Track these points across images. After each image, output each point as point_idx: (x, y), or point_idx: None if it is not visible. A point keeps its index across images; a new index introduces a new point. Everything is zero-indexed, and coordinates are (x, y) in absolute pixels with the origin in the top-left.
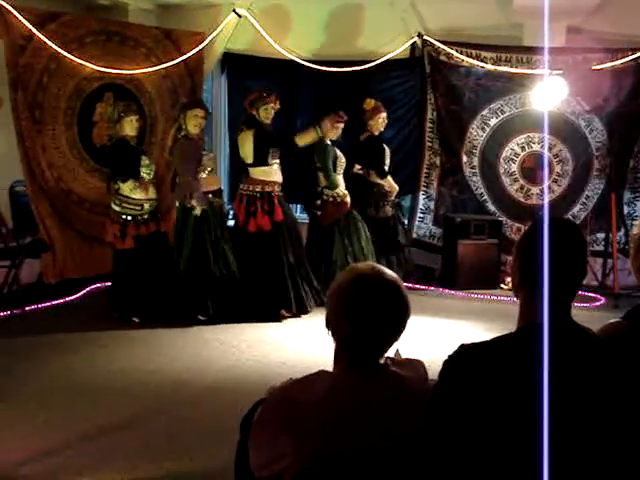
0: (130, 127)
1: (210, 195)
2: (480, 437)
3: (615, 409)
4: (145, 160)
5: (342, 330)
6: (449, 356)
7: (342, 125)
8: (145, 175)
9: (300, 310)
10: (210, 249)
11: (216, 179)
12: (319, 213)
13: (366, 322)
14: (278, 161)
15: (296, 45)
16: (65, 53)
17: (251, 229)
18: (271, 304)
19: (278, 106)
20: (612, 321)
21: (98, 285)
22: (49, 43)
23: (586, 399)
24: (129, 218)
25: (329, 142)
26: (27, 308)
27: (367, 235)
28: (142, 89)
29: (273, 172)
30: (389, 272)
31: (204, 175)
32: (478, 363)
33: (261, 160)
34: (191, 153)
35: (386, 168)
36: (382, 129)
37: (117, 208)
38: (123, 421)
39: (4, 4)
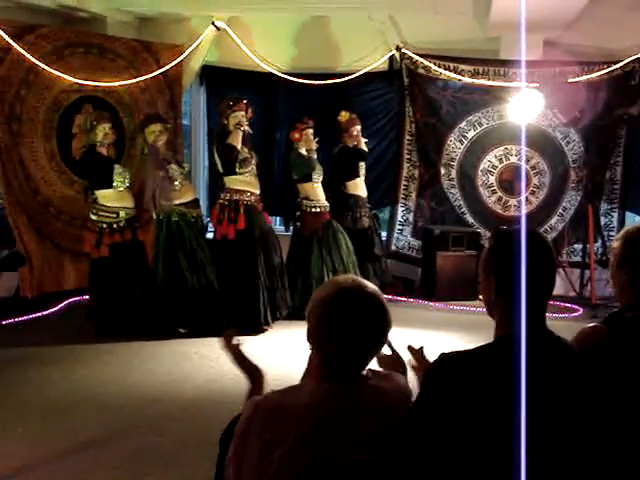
0: (103, 135)
1: (183, 206)
2: (460, 443)
3: (588, 416)
4: (119, 169)
5: (324, 343)
6: (430, 365)
7: (310, 130)
8: (119, 184)
9: (253, 324)
10: (184, 260)
11: (189, 190)
12: (298, 224)
13: (348, 336)
14: (250, 169)
15: (275, 58)
16: (43, 65)
17: (217, 237)
18: (243, 315)
19: (250, 114)
20: (591, 325)
21: (76, 299)
22: (27, 55)
23: (561, 406)
24: (104, 226)
25: (304, 151)
26: (4, 322)
27: (348, 246)
28: (121, 101)
29: (244, 181)
30: (370, 285)
31: (176, 185)
32: (458, 372)
33: (228, 170)
34: (153, 163)
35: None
36: (357, 141)
37: (94, 217)
38: (102, 436)
39: None
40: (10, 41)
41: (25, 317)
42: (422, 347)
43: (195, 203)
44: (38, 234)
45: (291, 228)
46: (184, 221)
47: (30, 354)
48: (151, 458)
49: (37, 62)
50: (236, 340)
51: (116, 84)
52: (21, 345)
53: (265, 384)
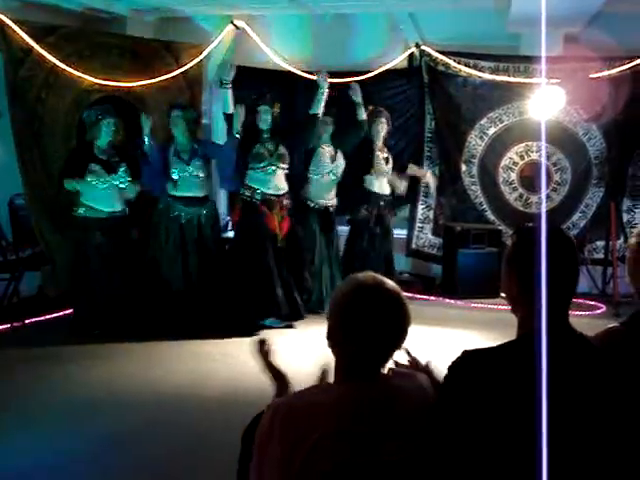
0: (107, 131)
1: (178, 200)
2: (482, 440)
3: (611, 413)
4: (95, 167)
5: (343, 341)
6: (453, 362)
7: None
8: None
9: (297, 316)
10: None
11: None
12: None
13: (367, 333)
14: (283, 166)
15: (294, 56)
16: (64, 66)
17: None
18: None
19: (277, 110)
20: (608, 327)
21: None
22: (48, 56)
23: (584, 404)
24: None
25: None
26: (27, 321)
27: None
28: (142, 101)
29: (278, 178)
30: (389, 282)
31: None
32: (480, 368)
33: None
34: None
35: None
36: (382, 135)
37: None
38: (124, 434)
39: (2, 18)
40: (31, 42)
41: (48, 316)
42: (429, 361)
43: (197, 200)
44: (60, 233)
45: None
46: (160, 215)
47: (53, 352)
48: (174, 457)
49: (58, 63)
50: (267, 347)
51: (136, 84)
52: (44, 343)
53: (290, 392)
